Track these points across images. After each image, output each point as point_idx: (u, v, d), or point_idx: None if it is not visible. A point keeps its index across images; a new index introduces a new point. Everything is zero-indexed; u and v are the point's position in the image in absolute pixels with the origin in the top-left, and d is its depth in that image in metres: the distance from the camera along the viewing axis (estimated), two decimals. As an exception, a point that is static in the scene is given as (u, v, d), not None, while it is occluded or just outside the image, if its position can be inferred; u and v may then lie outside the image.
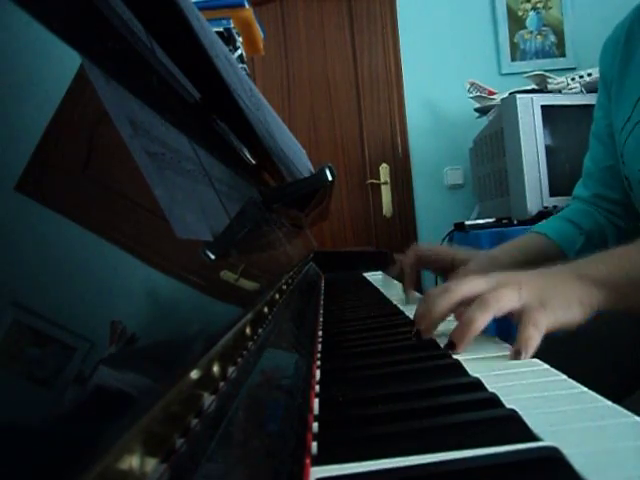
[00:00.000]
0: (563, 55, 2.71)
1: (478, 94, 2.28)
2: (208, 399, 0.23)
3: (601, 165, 0.86)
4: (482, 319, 0.43)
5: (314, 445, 0.26)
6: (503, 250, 0.83)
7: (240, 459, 0.21)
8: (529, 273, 0.50)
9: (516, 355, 0.41)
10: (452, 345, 0.44)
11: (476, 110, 2.33)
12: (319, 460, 0.25)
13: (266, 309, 0.42)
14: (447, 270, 0.79)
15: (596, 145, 0.87)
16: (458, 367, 0.38)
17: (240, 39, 1.42)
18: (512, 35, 2.71)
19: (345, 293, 0.96)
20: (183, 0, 0.40)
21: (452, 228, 2.04)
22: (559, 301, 0.46)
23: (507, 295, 0.45)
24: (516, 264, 0.77)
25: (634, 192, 0.75)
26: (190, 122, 0.44)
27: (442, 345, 0.45)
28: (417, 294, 0.80)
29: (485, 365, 0.40)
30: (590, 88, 1.90)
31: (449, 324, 0.48)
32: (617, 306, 0.50)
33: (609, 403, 0.29)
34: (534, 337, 0.42)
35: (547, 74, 2.02)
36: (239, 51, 1.40)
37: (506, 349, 0.44)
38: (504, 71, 2.70)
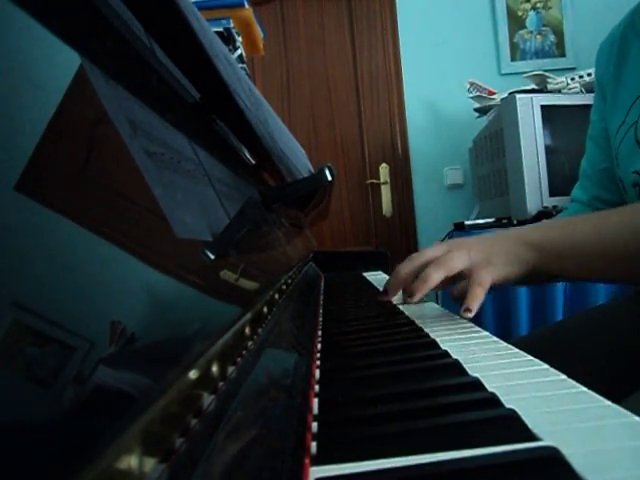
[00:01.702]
0: (563, 55, 2.71)
1: (478, 94, 2.28)
2: (207, 399, 0.23)
3: (598, 167, 0.87)
4: (436, 275, 0.54)
5: (313, 445, 0.26)
6: None
7: (239, 459, 0.21)
8: (478, 237, 0.60)
9: (466, 311, 0.52)
10: (411, 294, 0.56)
11: (476, 110, 2.33)
12: (318, 460, 0.25)
13: (265, 309, 0.42)
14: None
15: (592, 147, 0.88)
16: (458, 367, 0.38)
17: (240, 39, 1.42)
18: (512, 35, 2.71)
19: (345, 293, 0.96)
20: (182, 0, 0.40)
21: (452, 228, 2.05)
22: (501, 258, 0.56)
23: (458, 257, 0.55)
24: None
25: (628, 194, 0.76)
26: (190, 122, 0.44)
27: (438, 341, 0.45)
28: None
29: (484, 365, 0.40)
30: (590, 88, 1.90)
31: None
32: (549, 267, 0.58)
33: (609, 403, 0.29)
34: (480, 294, 0.52)
35: (547, 74, 2.03)
36: (239, 51, 1.40)
37: (505, 349, 0.44)
38: (504, 71, 2.70)
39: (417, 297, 0.55)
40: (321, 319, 0.65)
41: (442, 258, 0.55)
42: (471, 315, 0.52)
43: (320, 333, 0.56)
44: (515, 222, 1.83)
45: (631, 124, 0.72)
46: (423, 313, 0.63)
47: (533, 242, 0.58)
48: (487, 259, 0.55)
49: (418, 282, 0.55)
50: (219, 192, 0.41)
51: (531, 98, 1.80)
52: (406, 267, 0.59)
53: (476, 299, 0.52)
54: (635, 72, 0.75)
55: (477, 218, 2.15)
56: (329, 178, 0.79)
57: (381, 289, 0.89)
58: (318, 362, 0.43)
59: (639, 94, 0.72)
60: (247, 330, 0.33)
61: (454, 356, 0.41)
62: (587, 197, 0.89)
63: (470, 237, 0.61)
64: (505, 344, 0.45)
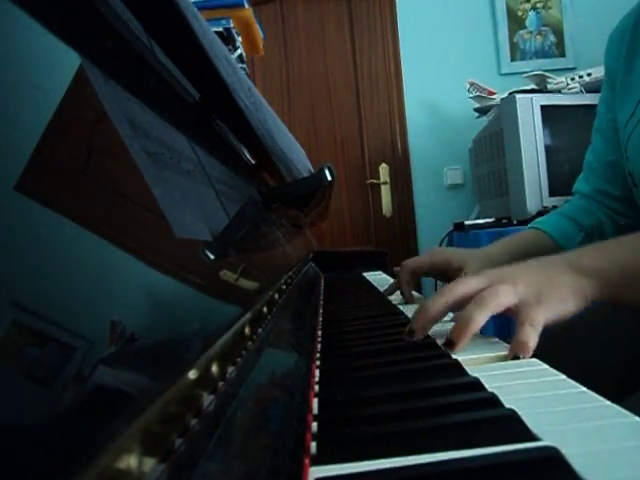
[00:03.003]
0: (563, 55, 2.71)
1: (478, 94, 2.28)
2: (207, 399, 0.23)
3: (603, 160, 0.85)
4: (480, 317, 0.44)
5: (313, 445, 0.26)
6: (500, 247, 0.82)
7: (239, 459, 0.21)
8: (522, 267, 0.50)
9: (514, 358, 0.41)
10: (450, 343, 0.44)
11: (476, 110, 2.33)
12: (318, 460, 0.25)
13: (265, 309, 0.42)
14: (446, 274, 0.78)
15: (599, 140, 0.86)
16: (457, 367, 0.38)
17: (240, 39, 1.42)
18: (512, 35, 2.71)
19: (345, 293, 0.96)
20: (182, 0, 0.40)
21: (452, 228, 2.05)
22: (554, 294, 0.46)
23: (504, 292, 0.45)
24: (514, 261, 0.77)
25: (638, 189, 0.74)
26: (190, 122, 0.44)
27: (438, 341, 0.45)
28: (418, 294, 0.80)
29: (484, 365, 0.40)
30: (590, 88, 1.90)
31: (447, 325, 0.48)
32: (609, 297, 0.49)
33: (609, 403, 0.29)
34: (532, 338, 0.42)
35: (547, 74, 2.03)
36: (239, 51, 1.40)
37: (505, 349, 0.44)
38: (504, 71, 2.70)
39: (460, 347, 0.43)
40: (321, 319, 0.65)
41: (484, 294, 0.45)
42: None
43: (320, 333, 0.56)
44: (515, 222, 1.84)
45: None
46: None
47: (590, 269, 0.48)
48: (537, 296, 0.45)
49: (460, 327, 0.44)
50: (219, 192, 0.41)
51: (531, 98, 1.80)
52: (438, 302, 0.47)
53: (529, 341, 0.41)
54: None
55: (477, 218, 2.15)
56: (329, 178, 0.79)
57: (381, 289, 0.90)
58: (318, 362, 0.43)
59: None
60: (247, 330, 0.33)
61: (453, 356, 0.41)
62: (590, 190, 0.87)
63: (513, 267, 0.50)
64: (505, 344, 0.45)
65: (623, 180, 0.79)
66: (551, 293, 0.46)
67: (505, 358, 0.42)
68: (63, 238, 0.18)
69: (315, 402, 0.33)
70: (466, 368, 0.37)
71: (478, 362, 0.41)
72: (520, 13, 2.72)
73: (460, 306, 0.47)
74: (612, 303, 0.51)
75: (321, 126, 2.79)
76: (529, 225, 0.88)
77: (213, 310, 0.30)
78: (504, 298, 0.45)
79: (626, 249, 0.51)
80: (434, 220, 2.67)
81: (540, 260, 0.52)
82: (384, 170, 2.78)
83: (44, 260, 0.17)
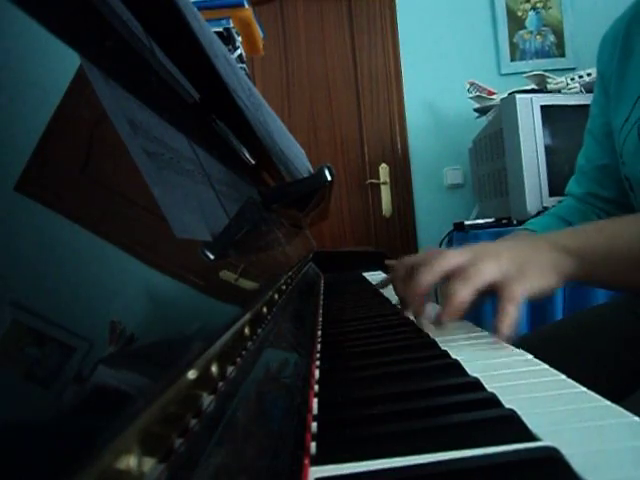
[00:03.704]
0: (563, 55, 2.71)
1: (478, 94, 2.28)
2: (207, 399, 0.23)
3: (594, 164, 0.85)
4: (465, 291, 0.45)
5: (313, 445, 0.26)
6: None
7: (239, 459, 0.21)
8: (505, 243, 0.53)
9: (498, 334, 0.44)
10: (439, 317, 0.46)
11: (476, 110, 2.33)
12: (318, 460, 0.25)
13: (265, 309, 0.42)
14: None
15: (591, 142, 0.86)
16: (457, 367, 0.38)
17: (240, 39, 1.42)
18: (512, 35, 2.71)
19: (345, 293, 0.96)
20: (182, 0, 0.40)
21: (451, 228, 2.05)
22: (535, 268, 0.49)
23: (487, 267, 0.47)
24: None
25: (635, 193, 0.74)
26: (189, 122, 0.44)
27: (438, 340, 0.45)
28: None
29: (484, 364, 0.40)
30: (589, 88, 1.90)
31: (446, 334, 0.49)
32: (585, 276, 0.52)
33: (609, 403, 0.29)
34: (512, 313, 0.45)
35: (546, 74, 2.03)
36: (239, 51, 1.40)
37: (505, 348, 0.44)
38: (504, 71, 2.70)
39: (445, 319, 0.46)
40: (321, 319, 0.65)
41: (469, 270, 0.47)
42: (503, 338, 0.44)
43: (320, 333, 0.56)
44: (515, 222, 1.84)
45: (634, 121, 0.69)
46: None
47: (570, 248, 0.51)
48: (520, 270, 0.47)
49: (445, 302, 0.46)
50: (219, 192, 0.41)
51: (531, 98, 1.80)
52: (427, 275, 0.49)
53: (507, 318, 0.44)
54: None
55: (477, 218, 2.15)
56: (328, 178, 0.79)
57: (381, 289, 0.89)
58: (318, 362, 0.43)
59: None
60: (247, 330, 0.33)
61: (454, 356, 0.41)
62: (582, 192, 0.87)
63: (496, 242, 0.53)
64: (504, 344, 0.45)
65: (615, 183, 0.79)
66: (532, 267, 0.48)
67: (504, 357, 0.42)
68: (63, 238, 0.18)
69: (315, 402, 0.33)
70: (466, 368, 0.37)
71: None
72: (520, 13, 2.72)
73: (445, 280, 0.49)
74: (587, 282, 0.55)
75: (321, 126, 2.79)
76: (522, 226, 0.88)
77: (213, 310, 0.30)
78: (488, 273, 0.46)
79: (604, 233, 0.54)
80: (434, 220, 2.67)
81: (522, 238, 0.55)
82: (384, 170, 2.78)
83: (44, 260, 0.17)
